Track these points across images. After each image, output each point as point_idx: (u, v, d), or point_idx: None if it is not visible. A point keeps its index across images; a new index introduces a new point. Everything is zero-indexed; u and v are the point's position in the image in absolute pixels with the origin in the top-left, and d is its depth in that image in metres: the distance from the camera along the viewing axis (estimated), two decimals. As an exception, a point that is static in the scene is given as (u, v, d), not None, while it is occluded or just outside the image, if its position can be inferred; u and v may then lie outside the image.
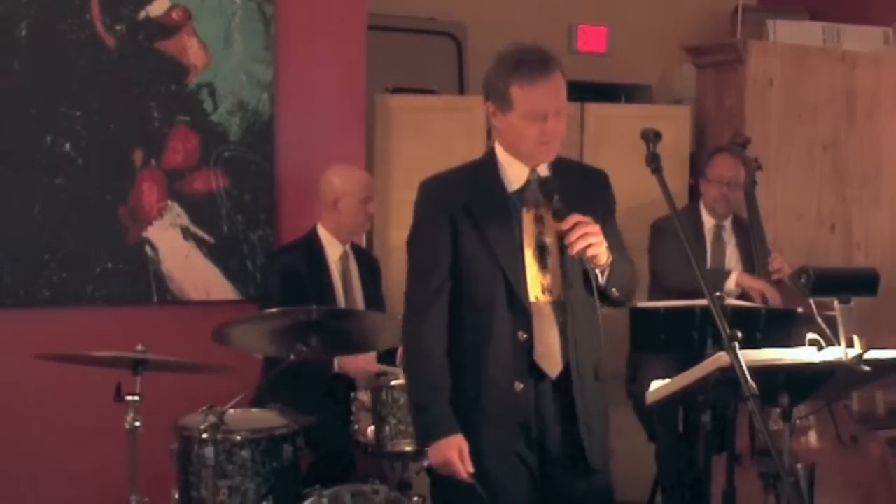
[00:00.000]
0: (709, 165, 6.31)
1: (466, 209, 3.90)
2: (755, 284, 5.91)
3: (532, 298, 3.89)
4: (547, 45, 3.94)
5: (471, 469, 3.83)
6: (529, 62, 3.85)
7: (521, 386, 3.88)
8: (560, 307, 3.91)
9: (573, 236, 3.74)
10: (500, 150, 3.98)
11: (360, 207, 5.69)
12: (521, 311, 3.88)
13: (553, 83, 3.86)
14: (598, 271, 3.83)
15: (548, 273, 3.91)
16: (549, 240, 3.92)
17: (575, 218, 3.77)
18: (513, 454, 3.89)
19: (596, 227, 3.78)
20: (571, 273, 3.92)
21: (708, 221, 6.28)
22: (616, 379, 6.27)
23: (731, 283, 5.93)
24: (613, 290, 3.89)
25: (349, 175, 5.73)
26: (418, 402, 3.93)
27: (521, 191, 3.94)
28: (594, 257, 3.77)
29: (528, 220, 3.93)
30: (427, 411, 3.89)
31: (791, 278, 6.20)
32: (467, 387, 3.89)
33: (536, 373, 3.90)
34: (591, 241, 3.75)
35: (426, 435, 3.90)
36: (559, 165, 3.99)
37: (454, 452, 3.83)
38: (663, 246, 6.06)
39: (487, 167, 3.99)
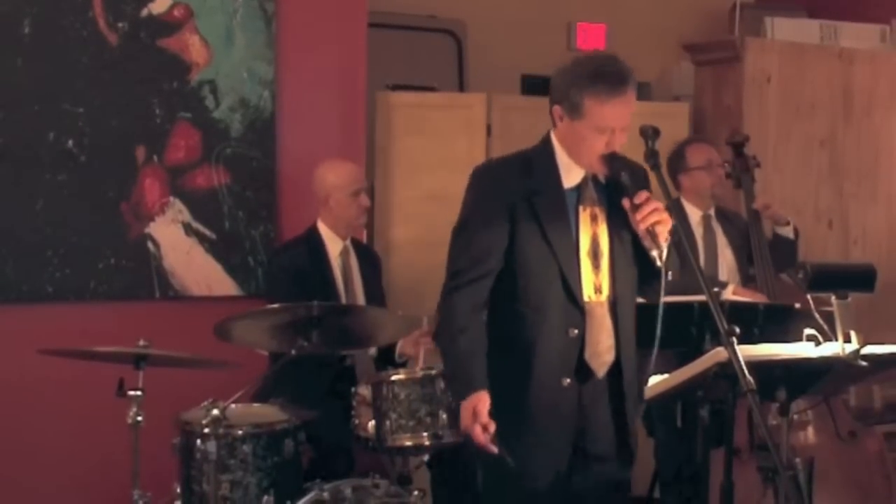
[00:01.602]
0: (686, 158, 6.25)
1: (528, 200, 3.94)
2: (749, 297, 5.90)
3: (585, 297, 3.94)
4: (619, 57, 3.97)
5: (490, 427, 3.83)
6: (608, 76, 3.85)
7: (569, 381, 3.94)
8: (610, 307, 3.98)
9: (645, 210, 3.78)
10: (557, 146, 4.01)
11: (351, 201, 5.68)
12: (575, 308, 3.94)
13: (628, 99, 3.88)
14: (656, 253, 3.83)
15: (600, 273, 3.97)
16: (602, 240, 3.98)
17: (646, 193, 3.83)
18: (554, 448, 3.96)
19: (662, 206, 3.82)
20: (622, 272, 3.99)
21: (694, 215, 6.26)
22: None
23: (726, 296, 5.91)
24: (669, 273, 3.88)
25: (337, 169, 5.73)
26: (448, 373, 4.04)
27: (578, 188, 3.98)
28: (660, 235, 3.79)
29: (584, 218, 3.98)
30: (453, 380, 3.98)
31: (777, 216, 6.24)
32: (515, 380, 3.93)
33: (584, 370, 3.95)
34: (661, 217, 3.79)
35: (455, 396, 4.00)
36: (609, 158, 3.97)
37: (467, 414, 3.86)
38: None
39: (544, 160, 4.02)
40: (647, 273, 3.99)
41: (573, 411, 3.96)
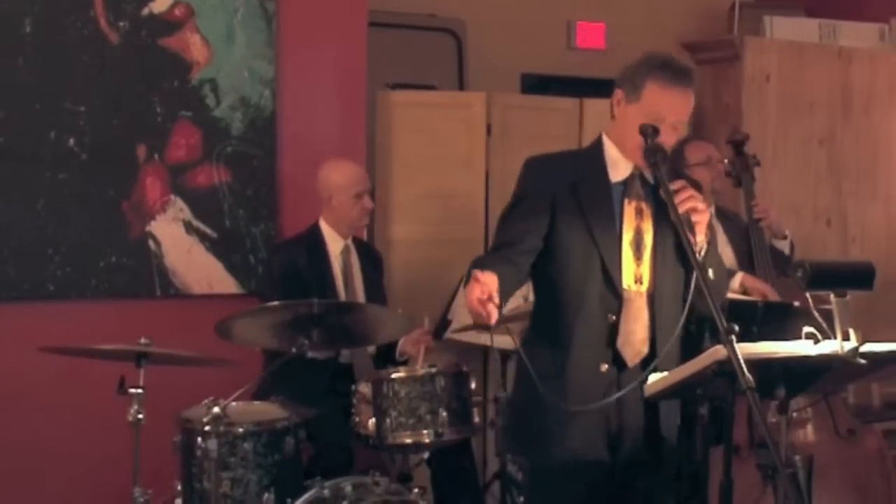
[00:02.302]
0: (685, 157, 6.29)
1: (571, 189, 4.01)
2: (758, 286, 5.91)
3: (624, 286, 4.00)
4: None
5: (496, 298, 3.68)
6: (674, 68, 3.97)
7: (606, 367, 3.99)
8: (649, 299, 4.03)
9: (682, 196, 3.83)
10: (607, 141, 4.11)
11: (354, 202, 5.69)
12: (613, 296, 3.99)
13: (685, 96, 3.98)
14: (696, 248, 3.85)
15: (641, 264, 4.02)
16: (647, 233, 4.03)
17: (682, 181, 3.91)
18: (593, 433, 4.00)
19: (701, 197, 3.88)
20: (664, 266, 4.04)
21: None
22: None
23: (735, 284, 5.93)
24: (710, 270, 3.92)
25: (341, 170, 5.74)
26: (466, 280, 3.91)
27: (625, 182, 4.05)
28: (697, 224, 3.84)
29: (628, 211, 4.03)
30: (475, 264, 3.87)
31: (776, 226, 6.25)
32: (555, 364, 3.98)
33: (620, 359, 4.01)
34: (698, 206, 3.84)
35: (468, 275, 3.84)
36: (650, 151, 3.96)
37: (472, 289, 3.69)
38: None
39: (593, 155, 4.11)
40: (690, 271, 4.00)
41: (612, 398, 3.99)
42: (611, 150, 4.08)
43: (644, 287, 4.03)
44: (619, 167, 4.06)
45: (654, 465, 4.13)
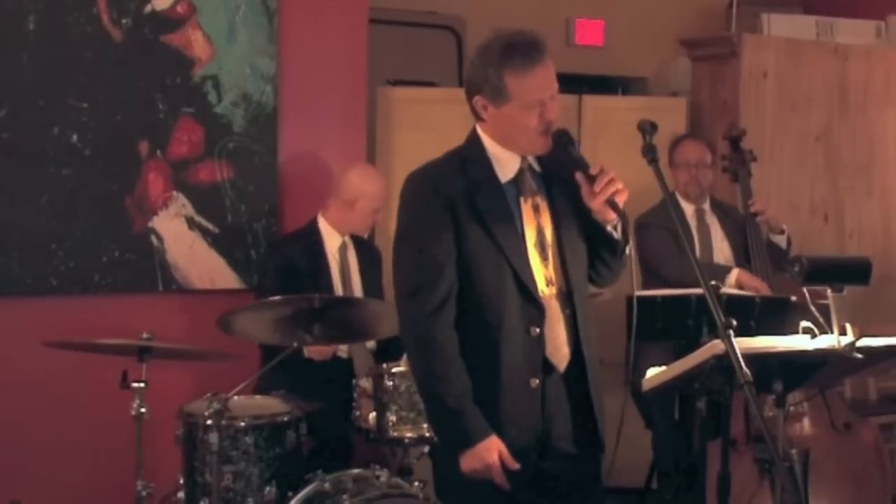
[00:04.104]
0: (674, 153, 6.37)
1: (467, 201, 3.73)
2: (753, 284, 5.93)
3: (539, 293, 3.76)
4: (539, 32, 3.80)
5: (516, 466, 3.69)
6: (520, 48, 3.70)
7: (537, 382, 3.76)
8: (564, 298, 3.80)
9: (603, 180, 3.66)
10: (486, 140, 3.81)
11: (371, 213, 5.77)
12: (533, 305, 3.75)
13: (547, 67, 3.73)
14: (611, 227, 3.74)
15: (549, 264, 3.80)
16: (547, 230, 3.81)
17: (600, 165, 3.70)
18: (521, 450, 3.76)
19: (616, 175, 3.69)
20: (571, 260, 3.82)
21: (688, 208, 6.32)
22: (614, 367, 6.36)
23: (731, 280, 5.96)
24: (628, 248, 3.79)
25: (374, 181, 5.79)
26: (453, 407, 3.68)
27: (516, 180, 3.80)
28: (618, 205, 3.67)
29: (526, 210, 3.79)
30: (462, 416, 3.68)
31: (773, 220, 6.30)
32: (483, 386, 3.73)
33: (547, 367, 3.78)
34: (618, 186, 3.66)
35: (465, 441, 3.69)
36: (555, 135, 3.78)
37: (495, 454, 3.67)
38: (652, 240, 6.07)
39: (476, 157, 3.81)
40: (602, 253, 3.86)
41: (539, 410, 3.79)
42: (494, 150, 3.80)
43: (556, 287, 3.79)
44: (505, 166, 3.79)
45: (588, 466, 3.94)
